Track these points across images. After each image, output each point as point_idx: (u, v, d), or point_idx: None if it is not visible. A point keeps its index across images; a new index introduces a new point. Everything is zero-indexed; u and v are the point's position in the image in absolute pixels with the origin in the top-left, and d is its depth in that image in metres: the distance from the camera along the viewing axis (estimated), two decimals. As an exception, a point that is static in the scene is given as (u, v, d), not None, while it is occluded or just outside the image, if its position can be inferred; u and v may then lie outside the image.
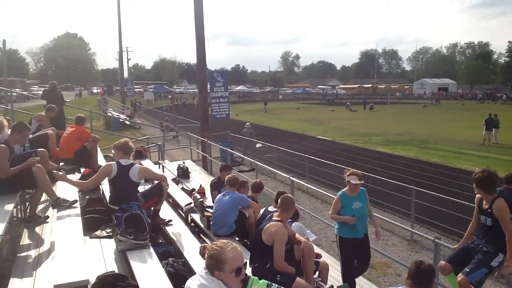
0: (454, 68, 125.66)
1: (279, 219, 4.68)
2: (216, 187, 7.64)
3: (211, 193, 7.78)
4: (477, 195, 5.01)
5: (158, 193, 5.85)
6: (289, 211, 4.81)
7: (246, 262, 2.79)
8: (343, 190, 5.92)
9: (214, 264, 2.62)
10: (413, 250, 9.18)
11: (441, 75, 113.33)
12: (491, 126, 23.76)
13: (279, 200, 4.88)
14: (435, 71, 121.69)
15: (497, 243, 4.84)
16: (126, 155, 5.54)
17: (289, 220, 5.67)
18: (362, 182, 5.88)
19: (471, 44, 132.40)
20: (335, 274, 6.31)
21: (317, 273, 5.36)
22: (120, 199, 5.33)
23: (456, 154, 20.45)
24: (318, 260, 5.44)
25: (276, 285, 2.75)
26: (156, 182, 6.18)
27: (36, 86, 66.22)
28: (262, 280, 2.74)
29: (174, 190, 8.58)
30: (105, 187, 6.88)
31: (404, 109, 55.31)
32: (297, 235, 5.00)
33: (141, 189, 5.97)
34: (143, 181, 6.69)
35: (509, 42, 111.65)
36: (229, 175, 6.81)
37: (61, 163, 7.80)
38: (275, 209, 5.78)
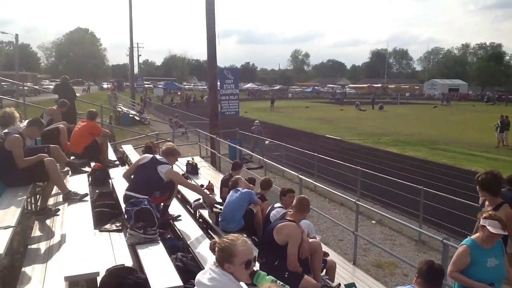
0: (466, 69, 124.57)
1: (292, 219, 4.68)
2: (226, 184, 7.66)
3: (221, 190, 7.81)
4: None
5: (170, 188, 5.91)
6: (303, 212, 4.82)
7: (255, 256, 2.82)
8: (472, 237, 4.08)
9: (225, 257, 2.65)
10: (421, 250, 9.15)
11: (452, 76, 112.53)
12: (503, 128, 23.59)
13: (294, 201, 4.88)
14: (446, 71, 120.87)
15: None
16: (165, 156, 5.82)
17: None
18: (506, 233, 3.89)
19: (483, 45, 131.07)
20: (342, 272, 6.33)
21: (324, 271, 5.38)
22: (140, 187, 5.50)
23: (466, 156, 20.31)
24: (326, 258, 5.46)
25: (281, 283, 2.77)
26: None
27: (47, 81, 66.82)
28: (269, 276, 2.76)
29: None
30: (115, 181, 6.96)
31: (414, 109, 54.99)
32: (304, 236, 5.01)
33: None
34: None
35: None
36: (233, 178, 6.86)
37: (72, 157, 7.87)
38: (280, 206, 5.81)
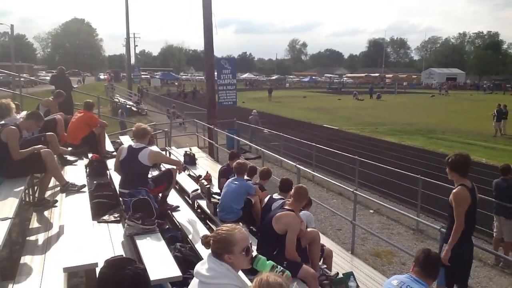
0: (463, 58, 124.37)
1: (291, 208, 4.69)
2: (224, 174, 7.66)
3: (219, 180, 7.81)
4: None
5: (168, 179, 5.89)
6: (302, 201, 4.83)
7: (251, 243, 2.82)
8: None
9: (223, 248, 2.64)
10: (418, 239, 9.19)
11: (449, 65, 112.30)
12: (500, 117, 23.60)
13: (293, 190, 4.88)
14: (443, 60, 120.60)
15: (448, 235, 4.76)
16: (139, 139, 5.66)
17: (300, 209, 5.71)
18: None
19: (480, 34, 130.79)
20: (340, 261, 6.37)
21: (321, 260, 5.40)
22: (130, 182, 5.43)
23: (464, 145, 20.33)
24: (323, 247, 5.48)
25: (281, 268, 2.78)
26: (165, 168, 6.23)
27: (44, 72, 66.46)
28: (269, 261, 2.77)
29: (181, 176, 8.58)
30: (113, 172, 6.94)
31: (411, 98, 54.94)
32: (302, 225, 5.01)
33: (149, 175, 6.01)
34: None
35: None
36: (237, 162, 6.83)
37: (69, 148, 7.85)
38: (279, 197, 5.81)
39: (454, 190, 4.73)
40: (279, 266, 2.81)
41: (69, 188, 5.40)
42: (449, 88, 70.84)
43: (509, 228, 7.96)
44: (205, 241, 2.75)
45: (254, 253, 2.81)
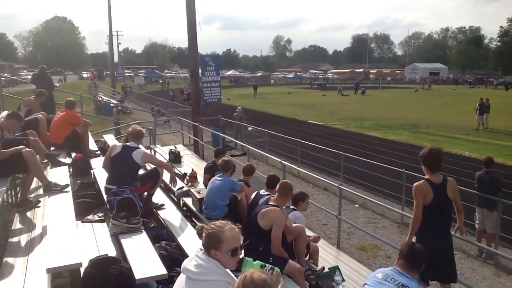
0: (446, 53, 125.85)
1: (276, 204, 4.69)
2: (209, 171, 7.64)
3: (204, 177, 7.79)
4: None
5: (154, 177, 5.90)
6: (287, 196, 4.84)
7: (242, 244, 2.82)
8: None
9: (212, 243, 2.64)
10: (403, 232, 9.27)
11: (432, 60, 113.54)
12: (482, 111, 23.92)
13: (277, 186, 4.88)
14: (426, 56, 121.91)
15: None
16: (134, 140, 5.85)
17: (293, 208, 5.72)
18: None
19: (463, 29, 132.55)
20: (326, 256, 6.40)
21: (308, 256, 5.42)
22: (118, 179, 5.45)
23: (447, 139, 20.59)
24: (309, 244, 5.50)
25: (270, 266, 2.77)
26: (151, 167, 6.24)
27: (25, 71, 65.47)
28: (257, 261, 2.76)
29: (166, 174, 8.55)
30: (97, 171, 6.89)
31: (395, 93, 55.43)
32: (287, 221, 5.01)
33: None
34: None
35: (500, 27, 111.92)
36: (222, 159, 6.82)
37: (52, 148, 7.76)
38: (266, 193, 5.80)
39: (415, 183, 4.81)
40: (267, 265, 2.80)
41: (52, 188, 5.34)
42: (432, 83, 71.57)
43: (491, 220, 8.09)
44: (199, 232, 2.77)
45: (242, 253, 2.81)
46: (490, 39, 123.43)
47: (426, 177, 4.81)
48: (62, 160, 7.11)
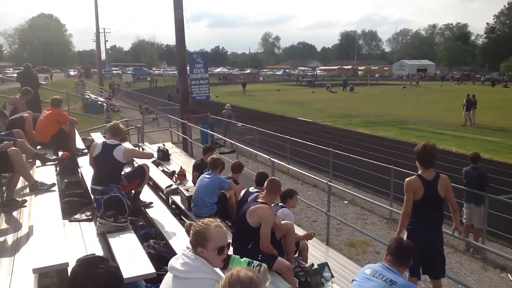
0: (433, 49, 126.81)
1: (264, 201, 4.68)
2: (198, 168, 7.61)
3: (192, 174, 7.76)
4: None
5: (140, 175, 5.83)
6: (275, 193, 4.83)
7: (229, 243, 2.80)
8: None
9: (198, 241, 2.62)
10: (392, 228, 9.33)
11: (420, 56, 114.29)
12: (469, 107, 24.13)
13: (265, 183, 4.87)
14: (414, 52, 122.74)
15: None
16: (114, 136, 5.63)
17: (282, 205, 5.71)
18: None
19: (450, 26, 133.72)
20: (315, 253, 6.40)
21: (297, 252, 5.42)
22: (103, 178, 5.37)
23: (434, 135, 20.76)
24: (299, 241, 5.50)
25: (257, 262, 2.75)
26: (137, 164, 6.17)
27: (11, 69, 64.62)
28: (244, 258, 2.74)
29: (155, 172, 8.52)
30: (84, 170, 6.82)
31: (383, 90, 55.73)
32: (276, 218, 5.00)
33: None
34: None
35: (487, 23, 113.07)
36: (211, 157, 6.79)
37: (38, 147, 7.67)
38: (255, 190, 5.79)
39: (406, 178, 4.87)
40: (254, 261, 2.78)
41: (38, 188, 5.28)
42: (420, 79, 72.04)
43: (479, 215, 8.17)
44: (187, 229, 2.76)
45: (231, 251, 2.80)
46: (477, 36, 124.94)
47: (419, 172, 4.84)
48: (49, 157, 7.03)
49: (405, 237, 4.80)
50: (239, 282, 2.10)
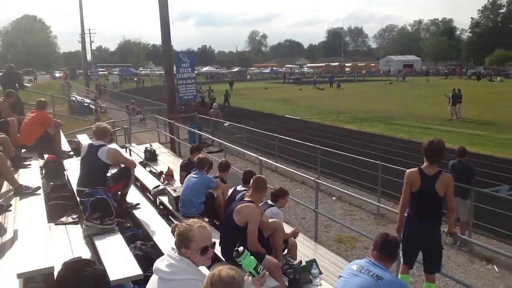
0: (419, 45, 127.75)
1: (251, 199, 4.68)
2: (185, 168, 7.59)
3: (180, 174, 7.74)
4: None
5: (126, 176, 5.80)
6: (261, 191, 4.83)
7: (214, 242, 2.80)
8: None
9: (182, 242, 2.63)
10: (380, 223, 9.41)
11: (406, 52, 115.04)
12: (455, 101, 24.34)
13: (251, 181, 4.87)
14: (400, 48, 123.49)
15: None
16: (99, 137, 5.67)
17: (271, 204, 5.71)
18: None
19: (435, 21, 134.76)
20: (304, 250, 6.43)
21: (286, 250, 5.44)
22: (88, 180, 5.36)
23: (421, 129, 20.92)
24: (287, 239, 5.51)
25: (262, 267, 2.77)
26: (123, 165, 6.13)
27: (-5, 71, 63.72)
28: (252, 258, 2.75)
29: (142, 173, 8.49)
30: (70, 172, 6.77)
31: (370, 86, 56.01)
32: (263, 217, 5.00)
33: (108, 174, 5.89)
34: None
35: (471, 18, 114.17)
36: (197, 156, 6.78)
37: (23, 150, 7.58)
38: (243, 189, 5.80)
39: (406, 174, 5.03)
40: (260, 265, 2.79)
41: (22, 191, 5.22)
42: (406, 75, 72.50)
43: (465, 208, 8.25)
44: (173, 230, 2.77)
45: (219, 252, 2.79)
46: (462, 31, 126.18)
47: (422, 166, 4.94)
48: (30, 162, 6.92)
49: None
50: (220, 281, 2.10)
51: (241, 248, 2.73)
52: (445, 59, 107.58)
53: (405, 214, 5.07)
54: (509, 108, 27.80)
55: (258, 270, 2.68)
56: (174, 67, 16.74)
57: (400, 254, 5.00)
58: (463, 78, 68.09)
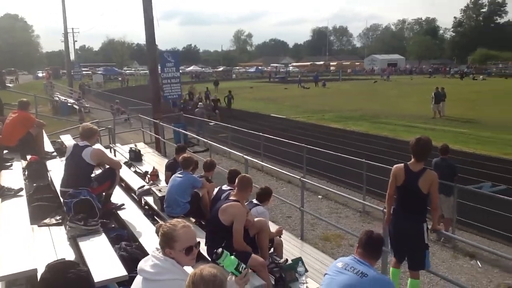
0: (403, 44, 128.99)
1: (236, 198, 4.68)
2: (171, 168, 7.56)
3: (165, 174, 7.70)
4: None
5: (110, 177, 5.77)
6: (246, 190, 4.83)
7: (199, 242, 2.79)
8: None
9: (166, 242, 2.62)
10: (365, 221, 9.46)
11: (390, 51, 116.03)
12: (438, 99, 24.60)
13: (236, 180, 4.87)
14: (384, 47, 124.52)
15: None
16: (85, 138, 5.64)
17: (257, 203, 5.71)
18: None
19: (419, 20, 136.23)
20: (290, 248, 6.45)
21: (272, 249, 5.45)
22: (72, 180, 5.32)
23: (406, 128, 21.11)
24: (273, 238, 5.52)
25: (244, 266, 2.76)
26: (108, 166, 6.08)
27: (-24, 72, 62.69)
28: (233, 257, 2.73)
29: (127, 173, 8.42)
30: (53, 173, 6.69)
31: (355, 85, 56.36)
32: (249, 216, 5.00)
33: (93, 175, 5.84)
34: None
35: (454, 17, 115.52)
36: (182, 156, 6.75)
37: (5, 151, 7.47)
38: (229, 188, 5.79)
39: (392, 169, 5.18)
40: (242, 264, 2.77)
41: (4, 193, 5.16)
42: (390, 74, 73.13)
43: (448, 205, 8.35)
44: (157, 231, 2.76)
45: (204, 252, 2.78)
46: (445, 30, 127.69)
47: (409, 162, 5.07)
48: (12, 163, 6.83)
49: None
50: (202, 280, 2.10)
51: (219, 250, 2.72)
52: (429, 58, 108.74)
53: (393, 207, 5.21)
54: (491, 106, 28.24)
55: (240, 269, 2.67)
56: (159, 67, 16.65)
57: (390, 248, 5.13)
58: (446, 76, 68.95)
